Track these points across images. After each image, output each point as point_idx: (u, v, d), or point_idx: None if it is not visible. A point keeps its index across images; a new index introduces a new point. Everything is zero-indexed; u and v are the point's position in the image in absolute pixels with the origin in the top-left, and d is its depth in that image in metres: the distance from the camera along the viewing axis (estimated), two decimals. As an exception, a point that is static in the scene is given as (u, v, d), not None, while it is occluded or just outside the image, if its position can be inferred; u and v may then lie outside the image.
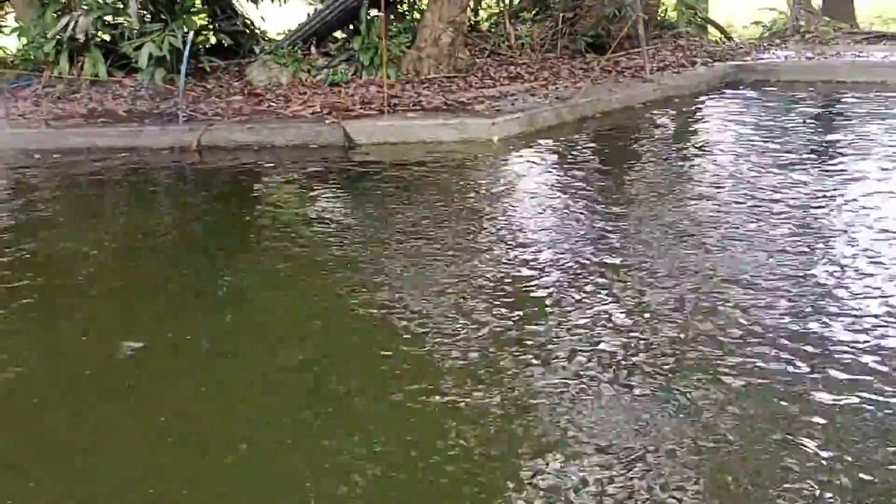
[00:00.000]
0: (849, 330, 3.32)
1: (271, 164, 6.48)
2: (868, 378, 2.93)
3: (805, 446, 2.56)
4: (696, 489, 2.38)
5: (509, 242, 4.56)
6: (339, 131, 7.01)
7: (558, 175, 5.99)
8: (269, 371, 3.23)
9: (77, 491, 2.52)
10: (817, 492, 2.34)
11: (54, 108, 8.10)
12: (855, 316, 3.44)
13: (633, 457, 2.54)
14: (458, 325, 3.53)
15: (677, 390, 2.92)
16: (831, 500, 2.30)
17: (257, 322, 3.70)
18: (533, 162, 6.33)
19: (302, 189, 5.86)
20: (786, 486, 2.37)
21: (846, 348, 3.17)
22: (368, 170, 6.21)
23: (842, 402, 2.78)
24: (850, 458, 2.48)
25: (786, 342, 3.23)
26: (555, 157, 6.52)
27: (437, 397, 2.95)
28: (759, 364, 3.07)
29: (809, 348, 3.18)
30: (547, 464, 2.53)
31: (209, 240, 4.92)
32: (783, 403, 2.79)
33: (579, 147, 6.78)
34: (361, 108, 7.55)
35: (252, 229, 5.01)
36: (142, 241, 4.86)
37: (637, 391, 2.92)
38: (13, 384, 3.18)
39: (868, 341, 3.21)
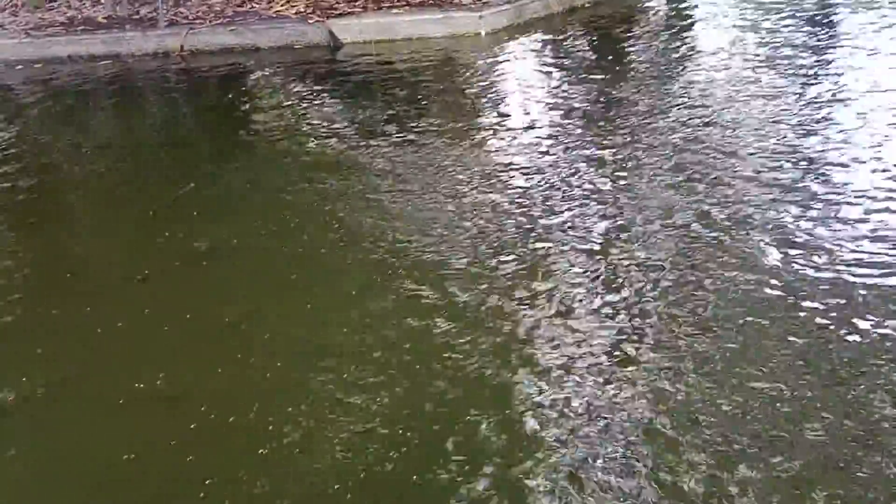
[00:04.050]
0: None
1: (257, 67, 6.38)
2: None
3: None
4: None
5: (501, 135, 4.57)
6: (324, 30, 6.87)
7: (549, 69, 5.91)
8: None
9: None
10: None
11: (32, 17, 7.90)
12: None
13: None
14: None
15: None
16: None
17: (247, 225, 3.75)
18: (523, 55, 6.24)
19: (289, 92, 5.80)
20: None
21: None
22: (355, 69, 6.13)
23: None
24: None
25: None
26: (545, 49, 6.41)
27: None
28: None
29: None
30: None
31: (197, 146, 4.92)
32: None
33: (570, 38, 6.66)
34: (345, 6, 7.37)
35: (240, 132, 4.99)
36: (129, 148, 4.86)
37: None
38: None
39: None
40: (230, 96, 5.80)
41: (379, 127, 4.78)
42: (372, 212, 3.69)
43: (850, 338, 2.61)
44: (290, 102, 5.50)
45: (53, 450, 2.45)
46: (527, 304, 2.92)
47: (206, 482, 2.24)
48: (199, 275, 3.34)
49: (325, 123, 4.97)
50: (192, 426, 2.45)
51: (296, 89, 5.81)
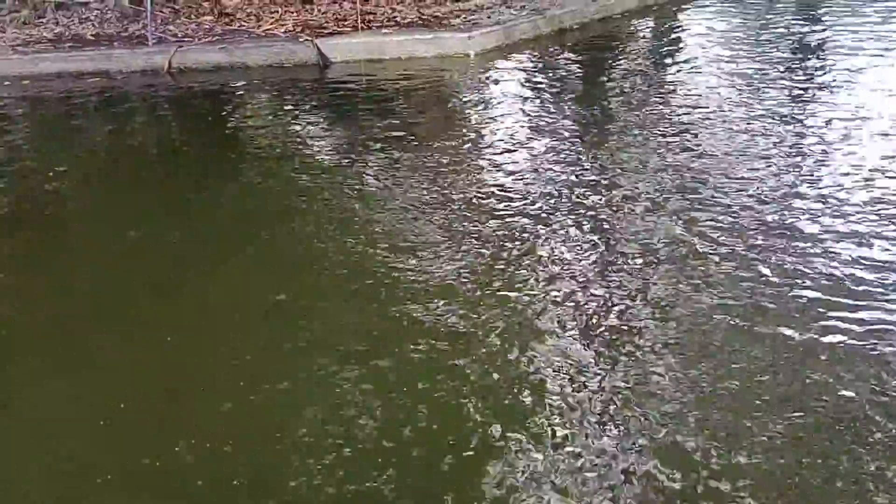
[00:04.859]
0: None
1: (246, 85, 6.38)
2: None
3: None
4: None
5: (488, 156, 4.58)
6: (314, 50, 6.89)
7: (536, 90, 5.94)
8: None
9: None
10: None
11: (20, 33, 7.87)
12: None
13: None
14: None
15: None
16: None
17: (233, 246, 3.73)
18: (511, 77, 6.27)
19: (278, 110, 5.80)
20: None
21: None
22: (344, 89, 6.14)
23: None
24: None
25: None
26: (533, 71, 6.45)
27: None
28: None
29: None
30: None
31: (186, 163, 4.90)
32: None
33: (558, 60, 6.71)
34: (335, 26, 7.40)
35: (228, 150, 4.98)
36: (116, 167, 4.83)
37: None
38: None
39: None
40: (219, 114, 5.79)
41: (367, 146, 4.78)
42: (360, 231, 3.68)
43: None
44: (279, 121, 5.50)
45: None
46: (510, 323, 2.91)
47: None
48: (181, 298, 3.31)
49: (314, 142, 4.97)
50: (175, 448, 2.41)
51: (285, 108, 5.81)
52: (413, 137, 4.89)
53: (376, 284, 3.23)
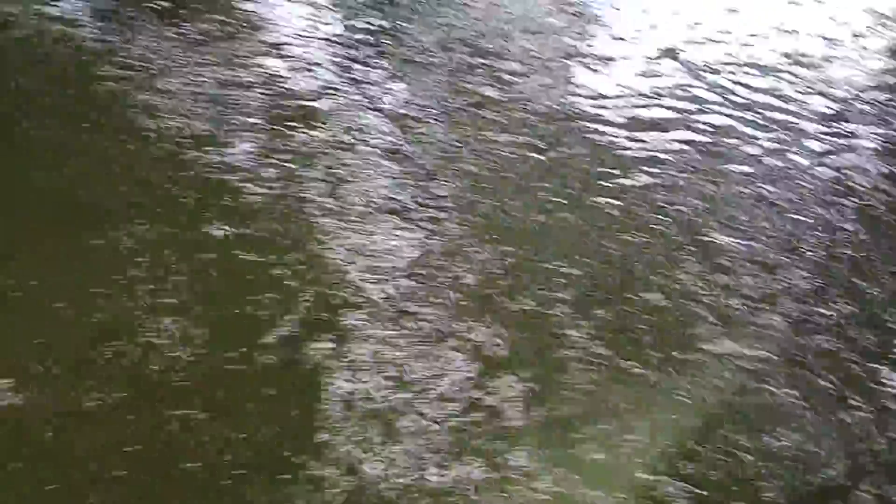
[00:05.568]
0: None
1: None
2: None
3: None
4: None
5: (259, 25, 4.43)
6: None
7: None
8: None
9: None
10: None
11: None
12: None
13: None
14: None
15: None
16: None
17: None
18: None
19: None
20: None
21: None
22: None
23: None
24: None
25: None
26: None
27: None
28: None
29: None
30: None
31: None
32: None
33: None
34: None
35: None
36: None
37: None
38: None
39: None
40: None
41: (134, 21, 4.39)
42: (133, 100, 3.53)
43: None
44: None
45: None
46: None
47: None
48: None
49: (69, 19, 4.48)
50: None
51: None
52: (183, 11, 4.53)
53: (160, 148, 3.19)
